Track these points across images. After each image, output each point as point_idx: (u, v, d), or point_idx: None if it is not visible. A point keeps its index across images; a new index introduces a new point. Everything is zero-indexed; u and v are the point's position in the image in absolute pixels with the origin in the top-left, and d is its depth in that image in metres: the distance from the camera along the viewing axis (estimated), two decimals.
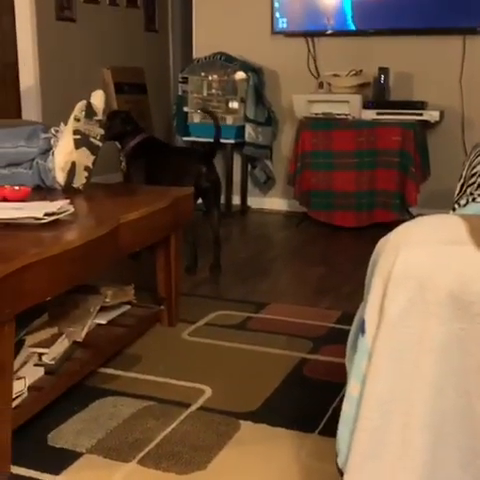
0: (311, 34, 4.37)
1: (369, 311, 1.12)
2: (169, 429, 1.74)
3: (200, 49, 4.64)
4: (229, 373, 2.07)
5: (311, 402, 1.89)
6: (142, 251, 3.06)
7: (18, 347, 1.72)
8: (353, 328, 1.28)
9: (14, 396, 1.60)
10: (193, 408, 1.85)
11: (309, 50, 4.40)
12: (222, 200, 4.49)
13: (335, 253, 3.64)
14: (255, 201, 4.70)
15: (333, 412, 1.79)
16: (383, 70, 4.08)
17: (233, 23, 4.56)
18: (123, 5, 5.48)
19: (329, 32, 4.30)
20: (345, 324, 2.28)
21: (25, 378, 1.69)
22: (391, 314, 1.07)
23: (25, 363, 1.76)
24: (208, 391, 1.95)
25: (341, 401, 1.20)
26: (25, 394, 1.67)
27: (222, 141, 4.12)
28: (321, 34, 4.34)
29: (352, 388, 1.14)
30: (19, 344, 1.76)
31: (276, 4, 4.35)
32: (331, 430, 1.34)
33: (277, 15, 4.36)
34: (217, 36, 4.59)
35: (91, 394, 1.91)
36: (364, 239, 3.76)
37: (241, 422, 1.78)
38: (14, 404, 1.60)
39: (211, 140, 3.14)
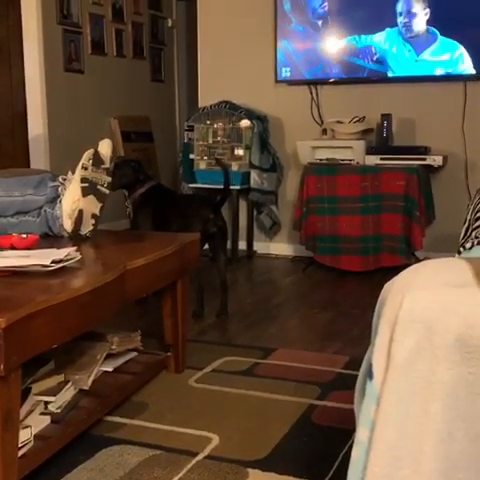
0: (314, 82, 4.45)
1: (376, 355, 1.11)
2: (176, 478, 1.71)
3: (205, 98, 4.72)
4: (236, 420, 2.05)
5: (320, 449, 1.86)
6: (148, 297, 3.07)
7: (24, 395, 1.71)
8: (361, 373, 1.27)
9: (20, 445, 1.58)
10: (200, 457, 1.82)
11: (312, 98, 4.48)
12: (228, 245, 4.52)
13: (342, 298, 3.63)
14: (261, 246, 4.72)
15: (343, 459, 1.76)
16: (386, 116, 4.13)
17: (237, 72, 4.66)
18: (130, 56, 5.61)
19: (332, 80, 4.38)
20: (353, 369, 2.26)
21: (31, 427, 1.68)
22: (399, 358, 1.06)
23: (31, 412, 1.75)
24: (215, 439, 1.92)
25: (351, 448, 1.18)
26: (31, 443, 1.66)
27: None
28: (324, 82, 4.43)
29: (361, 434, 1.13)
30: (25, 392, 1.75)
31: (279, 53, 4.45)
32: (341, 478, 1.31)
33: (280, 64, 4.45)
34: (222, 85, 4.68)
35: (97, 443, 1.89)
36: (371, 283, 3.75)
37: (249, 470, 1.75)
38: (20, 453, 1.58)
39: (217, 186, 3.18)
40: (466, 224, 1.89)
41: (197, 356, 2.55)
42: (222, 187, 3.13)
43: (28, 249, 1.97)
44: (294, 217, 4.30)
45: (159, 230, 3.03)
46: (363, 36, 4.22)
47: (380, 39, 4.18)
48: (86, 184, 2.26)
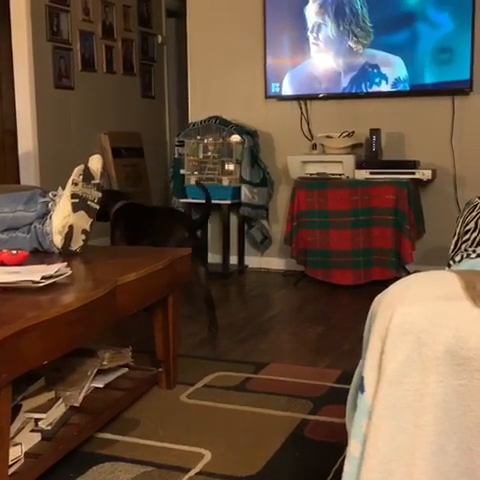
0: (304, 98, 4.48)
1: (367, 368, 1.11)
2: None
3: (195, 113, 4.74)
4: (229, 436, 2.04)
5: (313, 464, 1.85)
6: (139, 313, 3.06)
7: (14, 412, 1.70)
8: (352, 386, 1.27)
9: (10, 463, 1.57)
10: (192, 473, 1.81)
11: (302, 113, 4.50)
12: (219, 260, 4.52)
13: (333, 311, 3.63)
14: (252, 261, 4.72)
15: (335, 474, 1.76)
16: (375, 131, 4.16)
17: (227, 88, 4.68)
18: (120, 73, 5.62)
19: (321, 95, 4.42)
20: (345, 383, 2.25)
21: (22, 444, 1.67)
22: (389, 371, 1.07)
23: (22, 429, 1.74)
24: (208, 455, 1.91)
25: (343, 462, 1.18)
26: (22, 461, 1.64)
27: (219, 202, 4.21)
28: (313, 97, 4.45)
29: (353, 448, 1.12)
30: (15, 409, 1.73)
31: (269, 69, 4.48)
32: None
33: (270, 80, 4.48)
34: (212, 101, 4.71)
35: (88, 460, 1.88)
36: (362, 297, 3.76)
37: None
38: (10, 471, 1.57)
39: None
40: (455, 237, 1.90)
41: (189, 371, 2.54)
42: (204, 204, 3.20)
43: (18, 265, 1.97)
44: (285, 231, 4.31)
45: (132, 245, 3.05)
46: (352, 52, 4.26)
47: (369, 54, 4.22)
48: (76, 200, 2.25)
